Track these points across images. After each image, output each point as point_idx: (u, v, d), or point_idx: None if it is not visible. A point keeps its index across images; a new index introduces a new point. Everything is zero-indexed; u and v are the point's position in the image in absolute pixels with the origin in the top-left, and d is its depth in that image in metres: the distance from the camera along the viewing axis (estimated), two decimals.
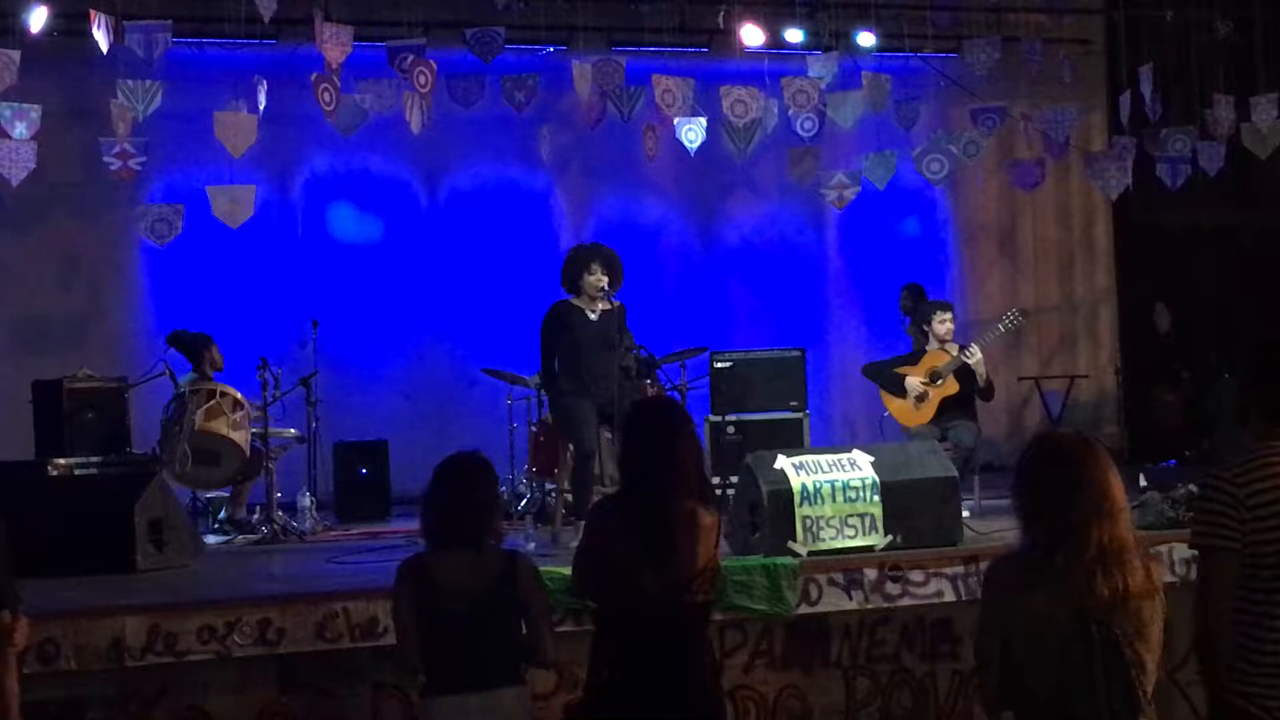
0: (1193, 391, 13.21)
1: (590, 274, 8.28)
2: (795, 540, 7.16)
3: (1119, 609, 3.70)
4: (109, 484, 8.81)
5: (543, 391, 9.37)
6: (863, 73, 12.00)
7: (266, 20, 10.38)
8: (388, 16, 11.39)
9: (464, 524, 4.86)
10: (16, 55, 10.02)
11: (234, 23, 10.41)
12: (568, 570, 5.44)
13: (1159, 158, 12.44)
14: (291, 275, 12.40)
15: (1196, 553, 3.96)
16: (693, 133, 11.60)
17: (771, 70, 11.84)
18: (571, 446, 8.40)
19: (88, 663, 6.16)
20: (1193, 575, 6.83)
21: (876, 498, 7.34)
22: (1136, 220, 13.86)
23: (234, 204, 10.71)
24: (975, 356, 9.44)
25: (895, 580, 7.07)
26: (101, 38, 10.11)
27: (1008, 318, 9.95)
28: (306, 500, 9.95)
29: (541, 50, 12.32)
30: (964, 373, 9.53)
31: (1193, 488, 7.63)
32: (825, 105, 11.81)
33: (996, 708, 3.90)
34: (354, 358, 12.37)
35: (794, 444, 9.62)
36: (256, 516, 9.82)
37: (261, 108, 10.67)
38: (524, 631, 4.94)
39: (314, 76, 10.66)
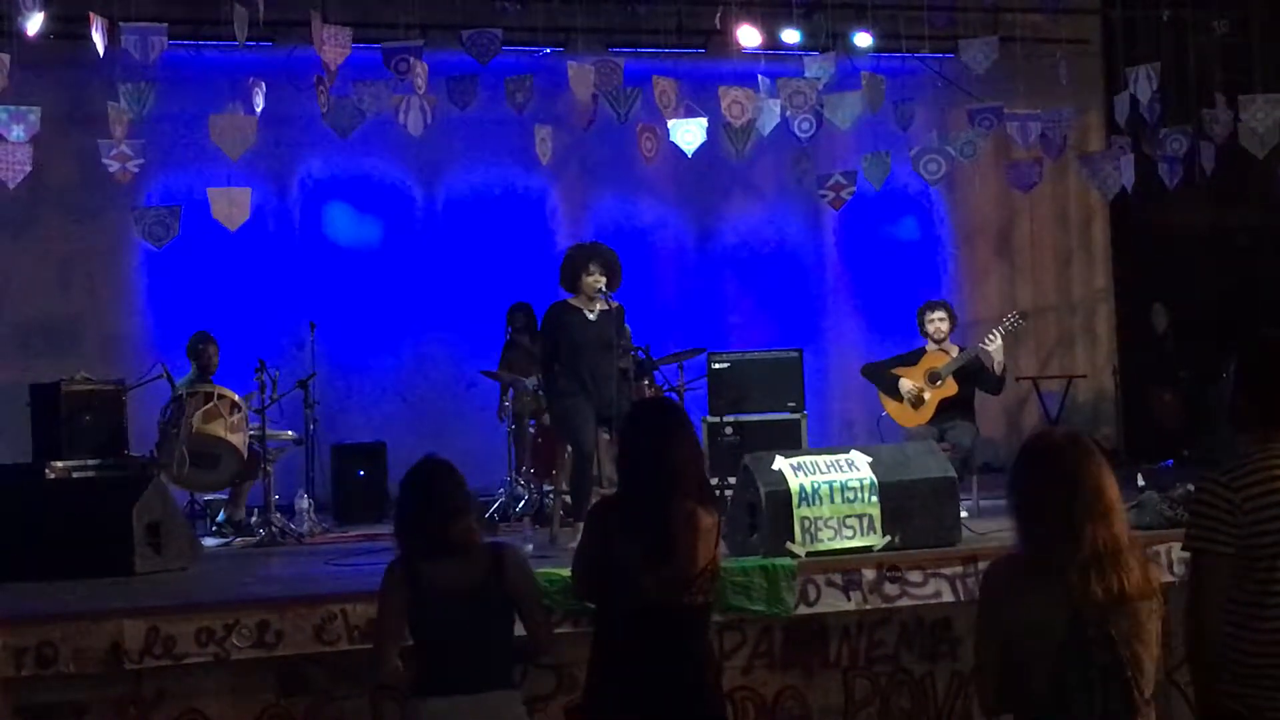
0: (1191, 391, 13.21)
1: (588, 274, 8.26)
2: (794, 541, 7.16)
3: (1115, 610, 3.69)
4: (107, 487, 8.81)
5: (540, 393, 9.37)
6: (861, 73, 12.01)
7: (261, 21, 10.39)
8: (384, 18, 11.40)
9: (441, 531, 4.82)
10: (6, 59, 10.01)
11: (229, 25, 10.40)
12: (566, 572, 5.45)
13: (1156, 157, 12.45)
14: (289, 277, 12.40)
15: (1188, 554, 3.97)
16: (689, 134, 11.60)
17: (768, 71, 11.84)
18: (570, 447, 8.40)
19: (86, 666, 6.14)
20: None
21: (875, 498, 7.33)
22: (1134, 220, 13.87)
23: (232, 206, 10.72)
24: (996, 343, 9.42)
25: (894, 581, 7.05)
26: (98, 40, 10.12)
27: (1008, 320, 9.94)
28: (304, 502, 9.94)
29: (538, 52, 12.32)
30: (964, 374, 9.53)
31: (1190, 488, 7.62)
32: (822, 106, 11.81)
33: (994, 710, 3.90)
34: (351, 360, 12.37)
35: (792, 445, 9.62)
36: (254, 519, 9.81)
37: (259, 110, 10.67)
38: (521, 626, 4.92)
39: (316, 78, 10.69)
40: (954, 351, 9.67)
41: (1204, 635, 3.89)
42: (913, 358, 9.78)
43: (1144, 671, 3.74)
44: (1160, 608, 3.81)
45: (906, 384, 9.54)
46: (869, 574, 7.05)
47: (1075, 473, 3.74)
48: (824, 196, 12.23)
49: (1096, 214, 14.31)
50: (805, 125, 11.83)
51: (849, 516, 7.29)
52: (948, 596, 7.10)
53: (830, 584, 7.00)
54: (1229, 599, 3.88)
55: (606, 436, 8.27)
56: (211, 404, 9.41)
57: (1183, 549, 4.05)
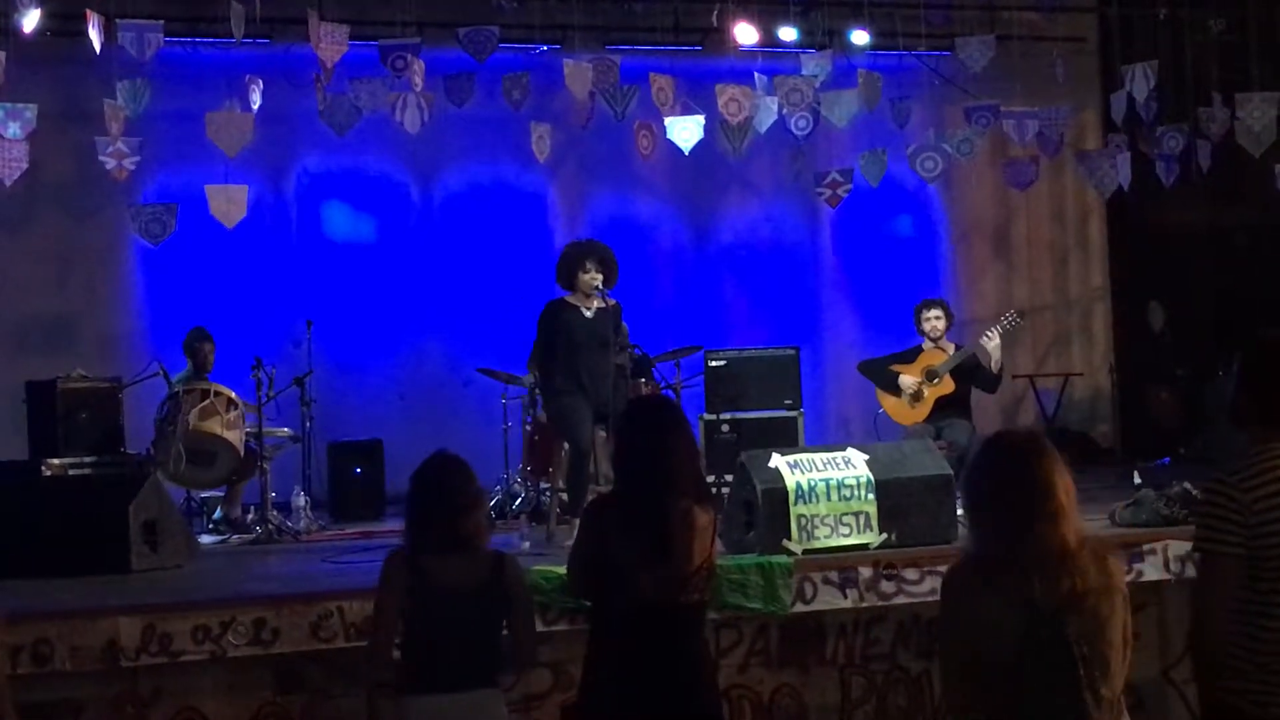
0: (1187, 389, 13.22)
1: (585, 272, 8.26)
2: (790, 539, 7.17)
3: (1071, 609, 3.67)
4: (103, 484, 8.81)
5: (537, 390, 9.36)
6: (858, 71, 12.01)
7: (258, 18, 10.39)
8: (381, 16, 11.39)
9: (450, 526, 4.83)
10: (3, 56, 10.00)
11: (226, 22, 10.39)
12: (563, 569, 5.45)
13: (1153, 155, 12.45)
14: (286, 275, 12.39)
15: (1198, 555, 3.96)
16: (686, 131, 11.61)
17: (765, 69, 11.84)
18: (567, 445, 8.39)
19: (82, 664, 6.15)
20: (1187, 573, 6.91)
21: (871, 496, 7.34)
22: (1130, 218, 13.87)
23: (229, 203, 10.72)
24: (993, 341, 9.44)
25: (890, 579, 7.06)
26: (95, 37, 10.11)
27: (1005, 319, 9.94)
28: (301, 500, 9.93)
29: (535, 49, 12.31)
30: (960, 371, 9.53)
31: (1188, 485, 7.63)
32: (819, 104, 11.81)
33: (962, 711, 3.87)
34: (348, 357, 12.36)
35: (789, 442, 9.62)
36: (251, 516, 9.81)
37: (255, 107, 10.67)
38: (509, 631, 4.91)
39: (314, 75, 10.70)
40: (950, 349, 9.68)
41: (1209, 635, 3.89)
42: (909, 355, 9.78)
43: (1109, 670, 3.71)
44: (1126, 604, 3.79)
45: (908, 379, 9.54)
46: (865, 572, 7.06)
47: (1026, 472, 3.72)
48: (821, 194, 12.24)
49: (1093, 212, 14.32)
50: (802, 123, 11.84)
51: (845, 514, 7.30)
52: None
53: (827, 582, 7.01)
54: (1236, 598, 3.88)
55: (603, 434, 8.26)
56: (208, 401, 9.40)
57: (1192, 549, 4.04)
